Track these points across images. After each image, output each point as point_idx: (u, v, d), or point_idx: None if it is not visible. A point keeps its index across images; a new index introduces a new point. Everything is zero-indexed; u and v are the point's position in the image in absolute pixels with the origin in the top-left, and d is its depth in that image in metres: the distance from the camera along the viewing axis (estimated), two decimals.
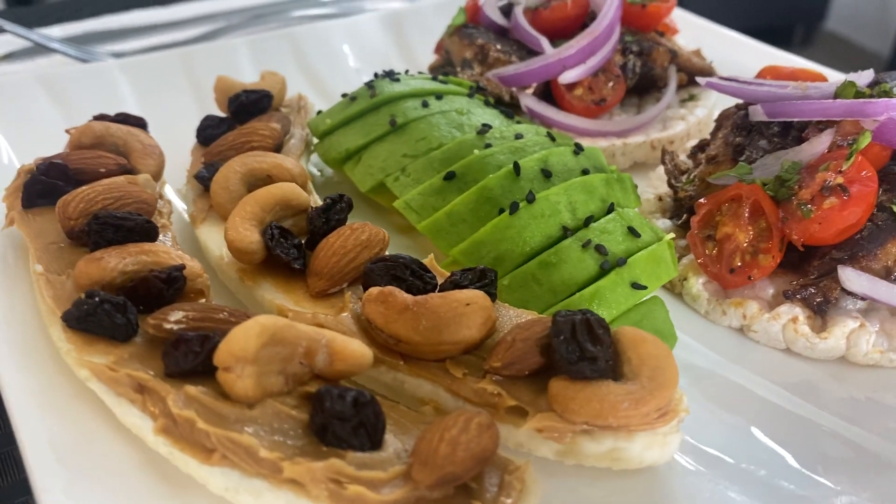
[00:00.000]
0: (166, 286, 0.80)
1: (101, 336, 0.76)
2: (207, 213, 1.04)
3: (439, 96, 1.21)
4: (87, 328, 0.76)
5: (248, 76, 1.50)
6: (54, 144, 1.24)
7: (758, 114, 1.09)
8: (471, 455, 0.65)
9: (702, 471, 0.82)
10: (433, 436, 0.66)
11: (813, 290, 0.95)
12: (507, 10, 1.49)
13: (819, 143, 1.01)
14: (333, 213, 0.93)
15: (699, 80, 1.21)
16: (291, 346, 0.71)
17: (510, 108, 1.29)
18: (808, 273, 0.96)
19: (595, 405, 0.71)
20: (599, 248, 0.94)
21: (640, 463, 0.75)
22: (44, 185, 0.96)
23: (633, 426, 0.72)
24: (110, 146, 1.06)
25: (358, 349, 0.72)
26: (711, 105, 1.43)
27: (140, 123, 1.17)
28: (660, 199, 1.19)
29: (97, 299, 0.76)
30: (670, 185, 1.17)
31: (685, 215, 1.11)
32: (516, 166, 1.02)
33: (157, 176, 1.07)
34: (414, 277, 0.85)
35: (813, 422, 0.89)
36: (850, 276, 0.92)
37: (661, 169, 1.26)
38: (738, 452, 0.84)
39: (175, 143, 1.18)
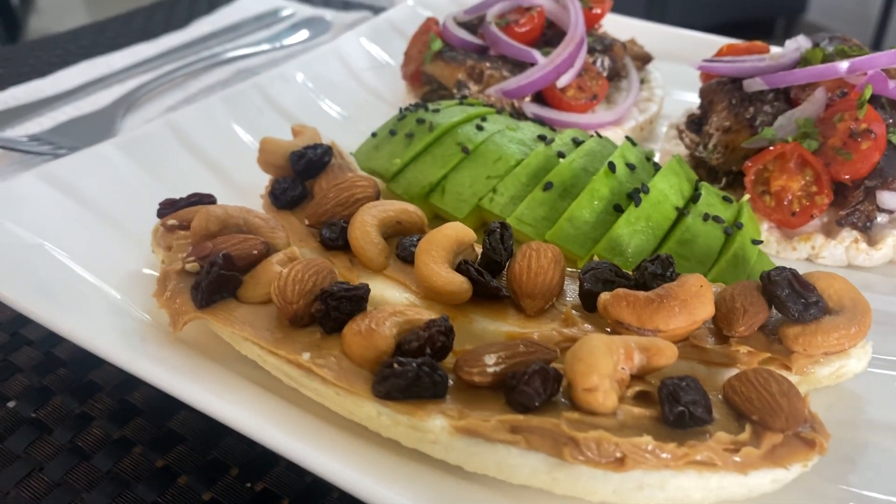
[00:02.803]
0: (446, 338, 0.84)
1: (424, 398, 0.79)
2: (359, 270, 1.05)
3: (484, 118, 1.30)
4: (412, 394, 0.79)
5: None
6: (91, 236, 1.17)
7: (755, 85, 1.33)
8: (799, 399, 0.79)
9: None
10: (758, 395, 0.79)
11: (857, 215, 1.20)
12: (468, 28, 1.61)
13: (816, 101, 1.27)
14: (507, 240, 1.01)
15: (696, 64, 1.41)
16: (616, 355, 0.80)
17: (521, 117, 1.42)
18: (849, 203, 1.21)
19: (834, 336, 0.89)
20: (717, 219, 1.12)
21: (854, 373, 0.94)
22: (221, 279, 0.93)
23: (856, 345, 0.91)
24: (233, 228, 1.04)
25: (669, 344, 0.82)
26: (662, 85, 1.66)
27: (210, 200, 1.14)
28: None
29: (414, 365, 0.79)
30: (693, 156, 1.37)
31: (723, 179, 1.32)
32: (612, 166, 1.16)
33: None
34: (619, 277, 0.97)
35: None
36: (888, 198, 1.19)
37: (665, 145, 1.46)
38: None
39: None
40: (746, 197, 1.20)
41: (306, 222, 1.13)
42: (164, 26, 2.28)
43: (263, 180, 1.34)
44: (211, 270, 0.92)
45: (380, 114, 1.66)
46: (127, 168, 1.32)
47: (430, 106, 1.34)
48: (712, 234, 1.10)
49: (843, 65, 1.25)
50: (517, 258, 0.99)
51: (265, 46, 2.05)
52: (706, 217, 1.11)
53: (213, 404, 0.84)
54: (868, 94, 1.20)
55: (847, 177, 1.18)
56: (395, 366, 0.79)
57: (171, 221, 1.07)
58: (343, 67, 1.74)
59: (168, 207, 1.13)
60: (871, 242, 1.21)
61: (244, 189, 1.35)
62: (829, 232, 1.23)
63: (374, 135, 1.37)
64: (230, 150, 1.43)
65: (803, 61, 1.34)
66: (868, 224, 1.21)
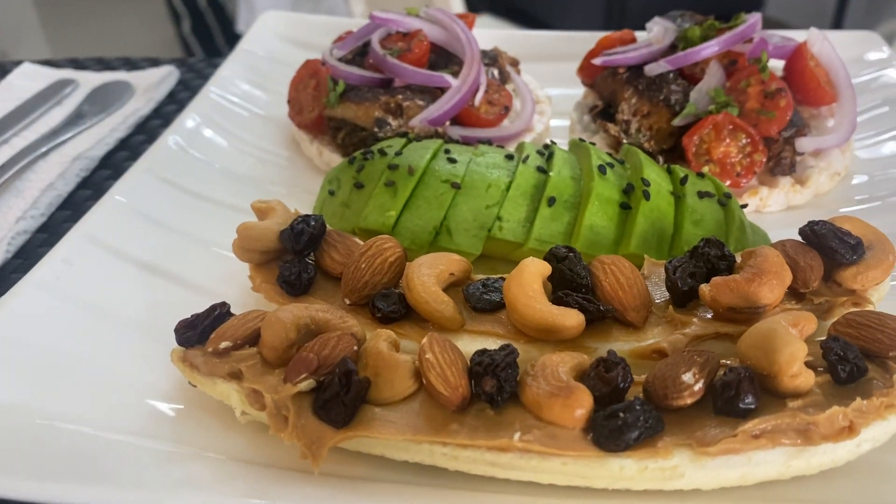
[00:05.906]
0: (629, 373, 0.83)
1: (651, 436, 0.78)
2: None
3: (447, 150, 1.27)
4: (643, 437, 0.77)
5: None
6: (78, 391, 0.98)
7: (658, 68, 1.45)
8: None
9: None
10: (884, 333, 0.89)
11: (784, 162, 1.38)
12: (352, 61, 1.55)
13: (716, 73, 1.43)
14: (580, 260, 1.01)
15: (599, 59, 1.50)
16: None
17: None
18: (774, 154, 1.39)
19: (882, 268, 1.02)
20: (708, 194, 1.21)
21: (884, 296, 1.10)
22: (360, 387, 0.82)
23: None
24: (304, 330, 0.91)
25: (808, 313, 0.89)
26: (540, 86, 1.73)
27: (226, 308, 1.00)
28: None
29: (638, 408, 0.77)
30: (618, 144, 1.46)
31: (661, 158, 1.43)
32: (602, 169, 1.21)
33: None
34: (695, 268, 1.02)
35: None
36: (805, 143, 1.38)
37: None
38: None
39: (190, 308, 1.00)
40: (706, 168, 1.32)
41: (347, 302, 1.03)
42: None
43: (223, 273, 1.20)
44: (350, 380, 0.81)
45: (278, 167, 1.54)
46: (68, 300, 1.09)
47: (387, 149, 1.28)
48: (713, 208, 1.20)
49: (732, 36, 1.42)
50: (599, 276, 1.00)
51: (80, 127, 1.77)
52: (701, 195, 1.21)
53: None
54: (765, 58, 1.38)
55: (775, 132, 1.35)
56: (622, 414, 0.77)
57: (225, 344, 0.91)
58: (217, 127, 1.57)
59: (189, 329, 0.96)
60: (802, 182, 1.39)
61: (206, 288, 1.18)
62: (762, 182, 1.40)
63: (331, 192, 1.28)
64: (163, 248, 1.23)
65: (684, 40, 1.49)
66: (793, 168, 1.39)
